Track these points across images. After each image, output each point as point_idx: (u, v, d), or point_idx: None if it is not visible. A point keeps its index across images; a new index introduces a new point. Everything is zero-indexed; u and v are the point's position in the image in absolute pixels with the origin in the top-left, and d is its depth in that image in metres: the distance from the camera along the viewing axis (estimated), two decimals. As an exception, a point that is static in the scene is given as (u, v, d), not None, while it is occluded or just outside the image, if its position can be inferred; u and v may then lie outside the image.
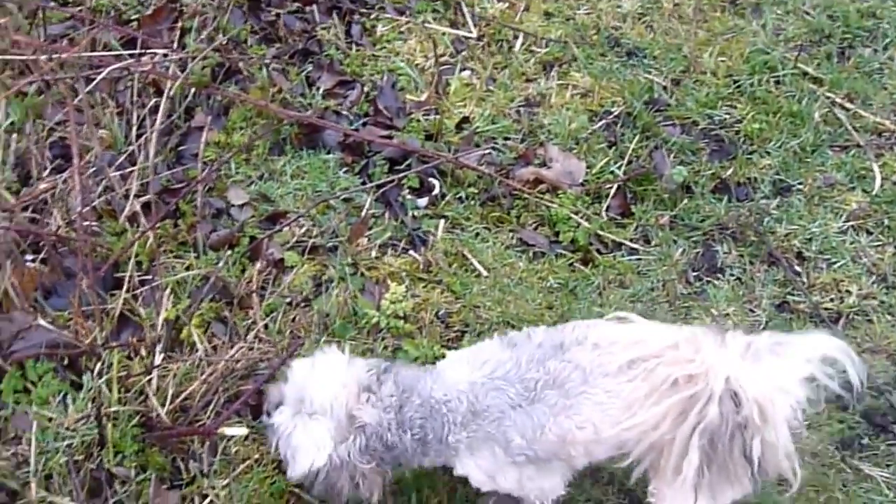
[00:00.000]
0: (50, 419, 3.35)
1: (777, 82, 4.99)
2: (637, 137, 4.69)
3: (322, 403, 2.93)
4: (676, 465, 2.87)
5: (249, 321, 3.79)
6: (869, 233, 4.53)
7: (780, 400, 2.85)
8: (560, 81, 4.91)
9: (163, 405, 3.42)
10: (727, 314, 4.13)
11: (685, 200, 4.53)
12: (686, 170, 4.57)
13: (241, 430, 3.31)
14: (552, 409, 2.94)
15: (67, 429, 3.34)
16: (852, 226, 4.54)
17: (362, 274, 4.05)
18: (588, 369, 2.94)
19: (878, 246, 4.49)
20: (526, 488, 3.12)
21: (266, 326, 3.78)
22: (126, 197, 3.92)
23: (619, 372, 2.92)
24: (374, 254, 4.14)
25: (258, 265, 3.92)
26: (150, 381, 3.44)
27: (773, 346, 2.91)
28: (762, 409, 2.80)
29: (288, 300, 3.89)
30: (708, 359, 2.83)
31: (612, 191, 4.52)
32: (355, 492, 2.97)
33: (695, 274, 4.31)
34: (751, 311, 4.16)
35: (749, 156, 4.72)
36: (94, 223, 3.67)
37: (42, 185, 3.82)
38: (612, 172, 4.59)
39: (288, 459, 3.01)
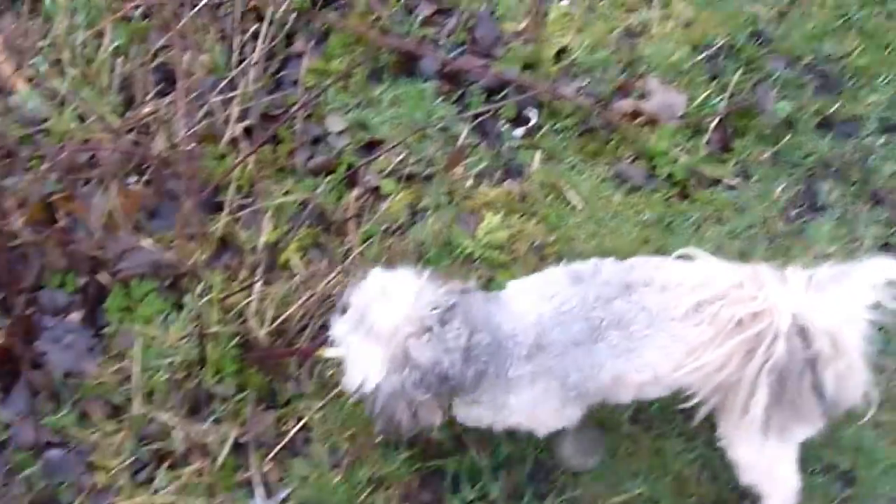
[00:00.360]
0: (152, 338, 3.44)
1: (888, 15, 4.79)
2: (740, 71, 4.53)
3: (380, 331, 2.86)
4: (744, 405, 2.84)
5: (346, 247, 3.81)
6: (979, 173, 4.39)
7: (851, 329, 2.79)
8: (662, 11, 4.76)
9: (261, 327, 3.47)
10: (828, 254, 4.02)
11: (787, 136, 4.40)
12: (789, 105, 4.43)
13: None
14: (613, 349, 2.91)
15: (169, 347, 3.42)
16: (963, 167, 4.39)
17: (457, 203, 4.03)
18: (654, 312, 2.89)
19: None
20: (550, 422, 3.14)
21: (362, 253, 3.79)
22: (227, 122, 3.94)
23: (686, 316, 2.87)
24: (469, 183, 4.11)
25: (355, 192, 3.93)
26: (249, 303, 3.48)
27: (835, 276, 2.84)
28: (834, 341, 2.75)
29: (384, 227, 3.89)
30: (772, 295, 2.79)
31: (713, 125, 4.40)
32: (414, 422, 2.92)
33: (795, 212, 4.21)
34: (852, 251, 4.05)
35: (855, 91, 4.55)
36: (196, 147, 3.69)
37: (146, 109, 3.86)
38: (712, 106, 4.46)
39: (344, 371, 3.00)
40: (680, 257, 3.04)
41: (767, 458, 3.08)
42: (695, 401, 2.95)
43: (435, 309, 2.87)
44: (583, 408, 3.11)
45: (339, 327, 3.00)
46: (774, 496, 3.21)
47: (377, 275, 3.00)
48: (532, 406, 3.02)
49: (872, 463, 3.48)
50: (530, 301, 2.97)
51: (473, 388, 2.92)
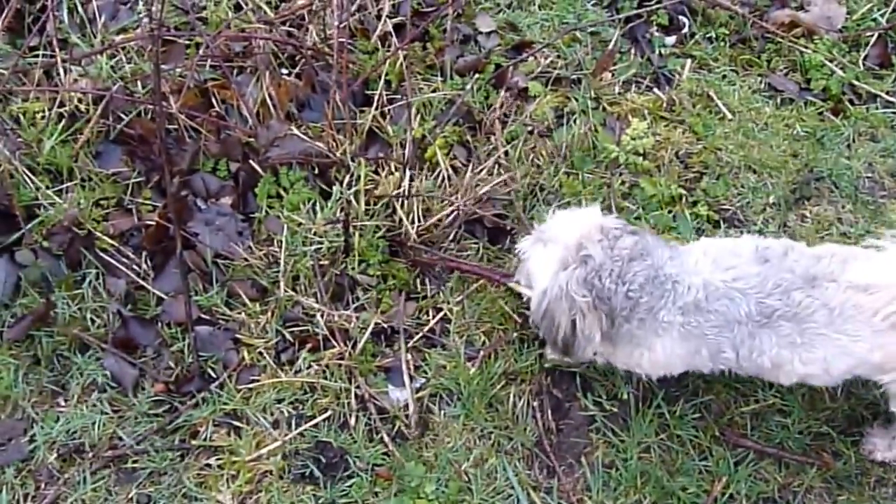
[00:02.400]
0: (299, 224, 3.47)
1: None
2: (905, -17, 4.29)
3: (559, 233, 2.90)
4: None
5: (490, 147, 3.77)
6: None
7: None
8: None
9: (411, 223, 3.48)
10: None
11: (952, 54, 4.18)
12: (957, 20, 4.18)
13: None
14: (780, 339, 2.80)
15: (315, 234, 3.46)
16: None
17: (604, 108, 3.94)
18: (837, 311, 2.75)
19: None
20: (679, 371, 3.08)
21: (506, 153, 3.74)
22: (378, 17, 3.91)
23: (878, 321, 2.72)
24: (617, 89, 4.01)
25: (502, 93, 3.87)
26: (397, 196, 3.48)
27: None
28: None
29: (529, 129, 3.83)
30: None
31: (873, 39, 4.21)
32: (572, 333, 2.90)
33: (954, 132, 4.00)
34: None
35: None
36: (347, 40, 3.67)
37: (300, 2, 3.85)
38: (874, 20, 4.26)
39: (525, 286, 3.03)
40: (870, 246, 2.88)
41: None
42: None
43: (617, 227, 2.89)
44: (717, 371, 3.05)
45: (525, 241, 3.04)
46: None
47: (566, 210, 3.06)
48: (677, 359, 2.98)
49: None
50: (706, 263, 2.88)
51: (626, 316, 2.87)
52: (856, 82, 4.11)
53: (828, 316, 2.75)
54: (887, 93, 4.10)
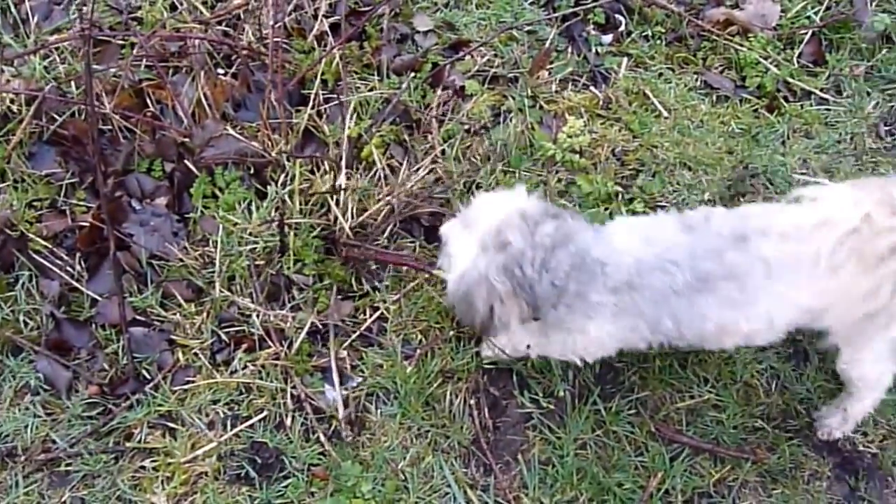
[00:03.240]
0: (235, 224, 3.43)
1: None
2: (838, -19, 4.32)
3: (480, 217, 2.87)
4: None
5: (427, 146, 3.74)
6: None
7: None
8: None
9: (345, 219, 3.44)
10: (917, 173, 3.86)
11: (884, 51, 4.22)
12: (888, 18, 4.22)
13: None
14: (721, 301, 2.79)
15: (250, 234, 3.41)
16: None
17: (541, 107, 3.93)
18: (773, 262, 2.74)
19: None
20: (612, 351, 3.07)
21: (443, 152, 3.72)
22: (315, 17, 3.87)
23: (816, 262, 2.70)
24: (554, 87, 4.00)
25: (439, 91, 3.84)
26: (333, 195, 3.44)
27: None
28: None
29: (466, 128, 3.81)
30: None
31: (807, 37, 4.23)
32: (490, 318, 2.88)
33: (887, 128, 4.05)
34: (944, 171, 3.87)
35: (959, 6, 4.31)
36: (283, 40, 3.63)
37: (236, 1, 3.80)
38: (808, 17, 4.28)
39: (447, 269, 2.99)
40: (792, 201, 2.85)
41: (885, 372, 3.00)
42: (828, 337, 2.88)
43: (541, 210, 2.87)
44: (655, 345, 3.03)
45: (447, 224, 3.01)
46: (867, 400, 3.13)
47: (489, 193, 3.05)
48: (610, 338, 2.97)
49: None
50: (633, 241, 2.85)
51: (553, 304, 2.85)
52: (790, 79, 4.12)
53: (765, 269, 2.75)
54: (821, 90, 4.12)
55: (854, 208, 2.68)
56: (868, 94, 4.12)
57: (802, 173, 3.86)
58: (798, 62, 4.18)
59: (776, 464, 3.21)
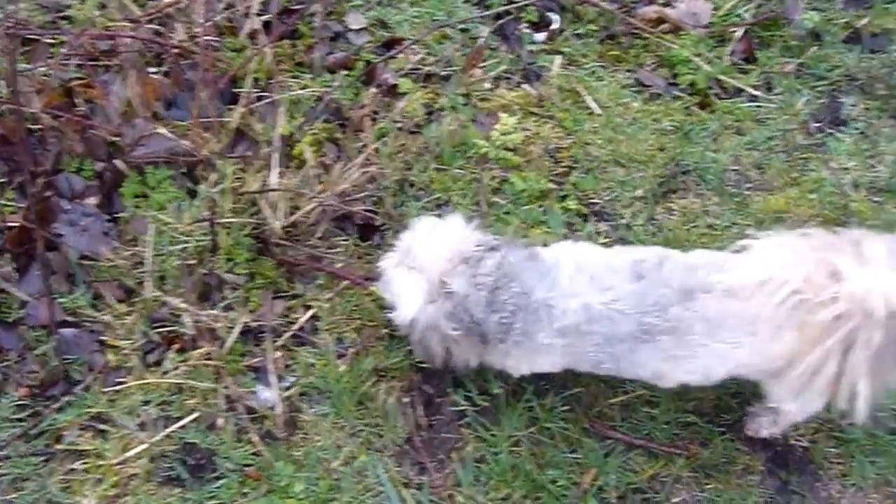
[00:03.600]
0: (166, 224, 3.38)
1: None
2: (768, -20, 4.36)
3: (422, 261, 2.85)
4: (847, 394, 2.69)
5: (360, 144, 3.71)
6: None
7: None
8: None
9: (275, 218, 3.40)
10: (846, 168, 3.90)
11: (814, 48, 4.25)
12: (818, 16, 4.25)
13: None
14: (661, 353, 2.79)
15: (182, 234, 3.37)
16: None
17: (474, 105, 3.92)
18: (715, 322, 2.72)
19: None
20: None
21: (376, 150, 3.69)
22: (247, 14, 3.82)
23: (754, 323, 2.69)
24: (487, 85, 3.99)
25: (372, 89, 3.81)
26: (262, 193, 3.40)
27: None
28: None
29: (399, 126, 3.79)
30: (855, 287, 2.56)
31: (738, 34, 4.25)
32: (449, 357, 2.93)
33: (816, 125, 4.07)
34: (872, 166, 3.93)
35: (887, 5, 4.37)
36: (215, 38, 3.59)
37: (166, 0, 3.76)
38: (738, 15, 4.31)
39: (392, 305, 2.98)
40: (739, 250, 2.82)
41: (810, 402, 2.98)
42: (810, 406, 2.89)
43: (478, 247, 2.84)
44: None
45: (387, 260, 2.98)
46: (794, 414, 3.12)
47: (427, 219, 2.99)
48: (552, 368, 2.98)
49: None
50: (581, 283, 2.81)
51: (501, 338, 2.85)
52: (722, 77, 4.14)
53: (706, 326, 2.73)
54: (752, 87, 4.14)
55: (794, 268, 2.66)
56: (798, 91, 4.15)
57: (734, 170, 3.88)
58: (729, 60, 4.20)
59: (709, 459, 3.21)
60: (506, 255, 2.83)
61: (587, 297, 2.78)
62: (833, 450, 3.26)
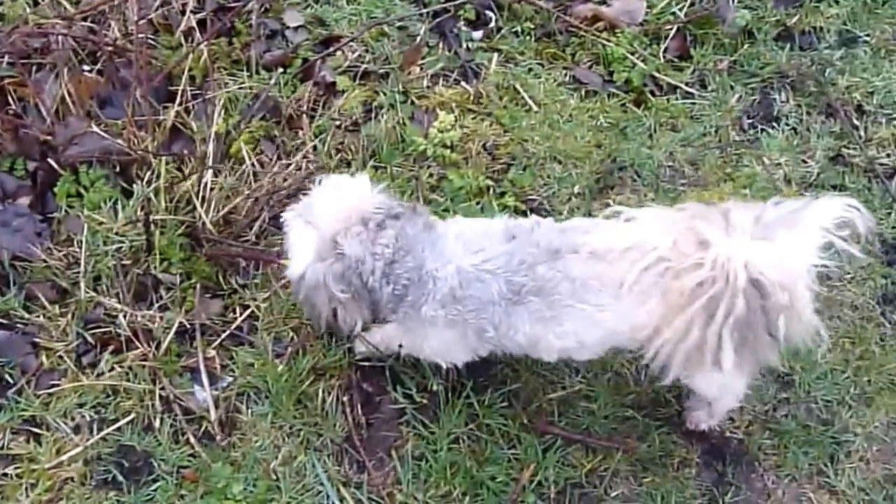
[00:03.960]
0: (100, 223, 3.32)
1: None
2: (701, -22, 4.37)
3: (318, 217, 2.77)
4: (712, 362, 2.66)
5: (298, 141, 3.67)
6: (934, 89, 4.26)
7: (803, 278, 2.59)
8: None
9: (209, 216, 3.34)
10: (779, 163, 3.92)
11: (746, 46, 4.26)
12: (750, 14, 4.26)
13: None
14: (531, 315, 2.76)
15: (116, 234, 3.32)
16: (917, 81, 4.26)
17: (412, 102, 3.88)
18: (579, 282, 2.70)
19: (942, 103, 4.22)
20: (463, 358, 3.02)
21: (315, 148, 3.65)
22: (183, 12, 3.76)
23: (621, 287, 2.66)
24: (425, 83, 3.96)
25: (310, 87, 3.77)
26: (198, 192, 3.35)
27: (784, 218, 2.61)
28: (787, 290, 2.55)
29: (337, 123, 3.75)
30: (719, 253, 2.55)
31: (672, 32, 4.25)
32: (334, 320, 2.85)
33: (749, 121, 4.09)
34: (803, 161, 3.95)
35: (816, 4, 4.39)
36: (150, 36, 3.53)
37: (100, -3, 3.68)
38: (673, 13, 4.30)
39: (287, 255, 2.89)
40: (611, 217, 2.81)
41: (725, 384, 2.97)
42: (672, 372, 2.77)
43: (379, 210, 2.78)
44: (500, 353, 3.02)
45: (289, 212, 2.89)
46: (726, 399, 3.12)
47: (337, 177, 2.92)
48: (447, 346, 2.93)
49: (809, 368, 3.40)
50: (458, 248, 2.79)
51: (393, 309, 2.83)
52: (656, 74, 4.15)
53: (571, 287, 2.71)
54: (686, 84, 4.15)
55: (662, 235, 2.65)
56: (731, 87, 4.16)
57: (669, 166, 3.90)
58: (664, 57, 4.20)
59: (646, 452, 3.21)
60: (404, 226, 2.78)
61: (460, 260, 2.76)
62: (768, 441, 3.28)
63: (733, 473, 3.21)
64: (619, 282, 2.66)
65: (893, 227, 3.80)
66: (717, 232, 2.59)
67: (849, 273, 3.63)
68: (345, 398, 3.22)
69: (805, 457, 3.25)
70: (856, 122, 4.12)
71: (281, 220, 2.95)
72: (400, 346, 3.09)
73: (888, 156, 4.02)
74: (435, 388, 3.23)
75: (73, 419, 3.09)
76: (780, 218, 2.61)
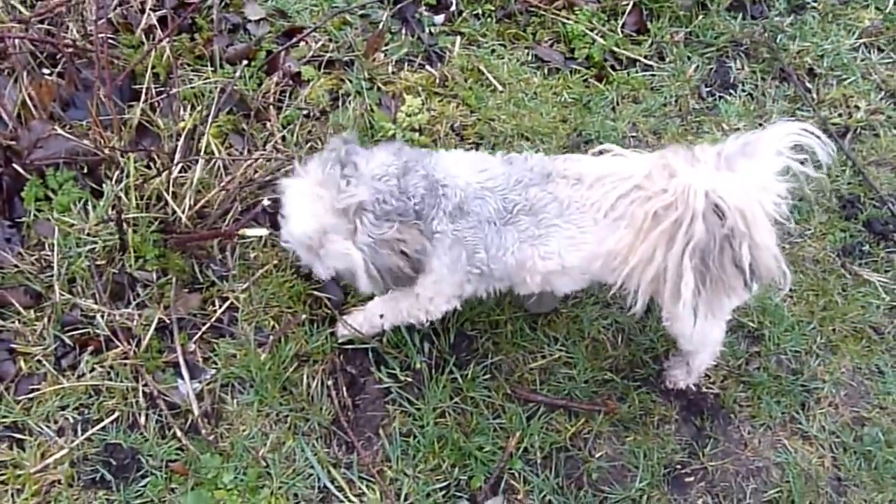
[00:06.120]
0: (71, 225, 3.11)
1: None
2: (654, -46, 4.23)
3: (305, 234, 2.68)
4: (674, 290, 2.58)
5: (267, 133, 3.49)
6: (880, 50, 4.20)
7: (760, 201, 2.53)
8: None
9: (182, 211, 3.15)
10: (737, 128, 3.81)
11: (700, 17, 4.17)
12: (702, -14, 4.15)
13: (260, 231, 3.04)
14: (521, 234, 2.69)
15: (88, 234, 3.11)
16: (864, 43, 4.20)
17: (379, 88, 3.72)
18: (565, 203, 2.66)
19: (889, 63, 4.16)
20: (448, 294, 2.89)
21: (283, 138, 3.48)
22: (142, 10, 3.56)
23: (598, 211, 2.64)
24: (390, 69, 3.80)
25: (275, 78, 3.58)
26: (168, 187, 3.15)
27: (743, 148, 2.58)
28: (744, 215, 2.49)
29: (305, 112, 3.58)
30: (682, 181, 2.51)
31: (629, 8, 4.14)
32: (408, 259, 2.67)
33: (707, 89, 3.99)
34: (760, 125, 3.83)
35: (765, -27, 4.28)
36: (110, 36, 3.33)
37: (56, -1, 3.46)
38: (628, -11, 4.17)
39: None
40: (600, 152, 2.77)
41: (704, 330, 2.86)
42: (638, 300, 2.68)
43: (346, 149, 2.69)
44: (482, 290, 2.89)
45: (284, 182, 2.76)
46: (703, 354, 3.07)
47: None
48: (442, 275, 2.78)
49: (778, 321, 3.33)
50: (465, 167, 2.73)
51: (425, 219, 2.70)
52: (616, 49, 4.03)
53: (558, 208, 2.67)
54: (645, 57, 4.04)
55: (640, 167, 2.63)
56: (688, 58, 4.06)
57: (633, 136, 3.77)
58: (622, 32, 4.09)
59: (627, 413, 3.10)
60: (398, 149, 2.73)
61: (468, 176, 2.70)
62: (742, 394, 3.21)
63: (711, 427, 3.13)
64: (598, 205, 2.65)
65: (849, 183, 3.73)
66: (683, 164, 2.58)
67: (809, 229, 3.59)
68: (329, 382, 3.05)
69: (778, 406, 3.18)
70: (808, 85, 4.05)
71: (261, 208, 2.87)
72: (381, 315, 2.96)
73: (840, 115, 3.97)
74: (418, 365, 3.09)
75: (56, 422, 2.89)
76: (739, 149, 2.60)
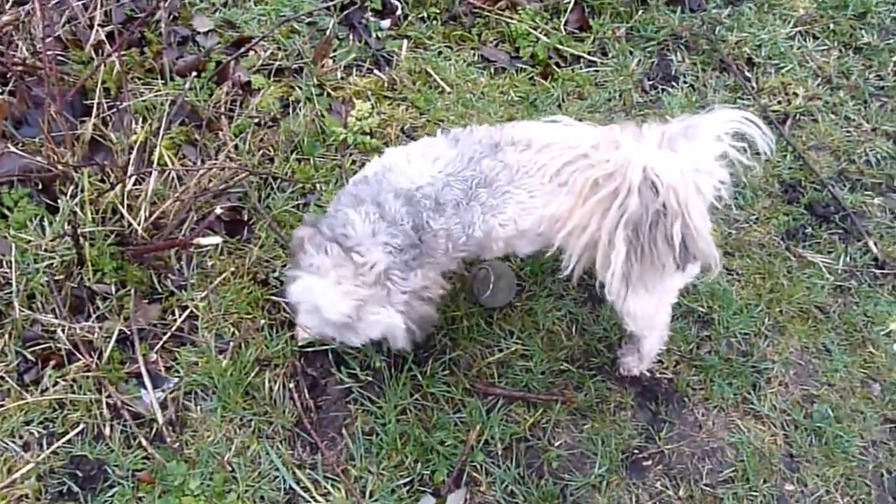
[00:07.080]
0: (28, 242, 3.08)
1: None
2: (591, -47, 4.25)
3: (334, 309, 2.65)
4: (605, 258, 2.60)
5: (219, 142, 3.47)
6: (815, 37, 4.24)
7: (696, 182, 2.55)
8: None
9: (137, 223, 3.12)
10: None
11: (640, 12, 4.20)
12: (648, -17, 4.19)
13: (215, 240, 3.02)
14: (482, 207, 2.68)
15: (46, 250, 3.08)
16: (800, 31, 4.25)
17: (328, 94, 3.71)
18: (514, 169, 2.66)
19: (824, 50, 4.20)
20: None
21: (236, 147, 3.46)
22: (91, 26, 3.52)
23: (544, 174, 2.64)
24: (339, 75, 3.78)
25: (225, 88, 3.56)
26: (123, 200, 3.13)
27: (685, 130, 2.60)
28: (677, 193, 2.50)
29: (256, 121, 3.56)
30: (624, 153, 2.54)
31: (570, 6, 4.15)
32: (432, 303, 2.73)
33: (650, 83, 4.01)
34: (703, 114, 3.85)
35: (702, -32, 4.32)
36: (59, 52, 3.29)
37: (5, 18, 3.41)
38: (568, -13, 4.19)
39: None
40: (552, 122, 2.77)
41: (646, 309, 2.89)
42: (571, 262, 2.69)
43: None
44: (456, 266, 2.91)
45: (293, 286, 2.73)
46: (650, 338, 3.08)
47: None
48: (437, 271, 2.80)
49: (726, 305, 3.36)
50: (420, 165, 2.70)
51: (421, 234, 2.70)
52: (560, 46, 4.04)
53: (509, 175, 2.67)
54: (588, 53, 4.06)
55: (589, 138, 2.66)
56: (630, 53, 4.08)
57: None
58: (565, 30, 4.10)
59: (584, 401, 3.12)
60: (344, 194, 2.71)
61: (429, 171, 2.68)
62: (694, 377, 3.23)
63: (666, 411, 3.15)
64: (545, 171, 2.65)
65: (790, 168, 3.78)
66: (629, 138, 2.60)
67: (754, 214, 3.63)
68: (291, 385, 3.04)
69: (730, 388, 3.21)
70: (747, 74, 4.09)
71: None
72: None
73: (779, 103, 4.01)
74: (378, 364, 3.09)
75: (21, 437, 2.86)
76: (682, 130, 2.61)
